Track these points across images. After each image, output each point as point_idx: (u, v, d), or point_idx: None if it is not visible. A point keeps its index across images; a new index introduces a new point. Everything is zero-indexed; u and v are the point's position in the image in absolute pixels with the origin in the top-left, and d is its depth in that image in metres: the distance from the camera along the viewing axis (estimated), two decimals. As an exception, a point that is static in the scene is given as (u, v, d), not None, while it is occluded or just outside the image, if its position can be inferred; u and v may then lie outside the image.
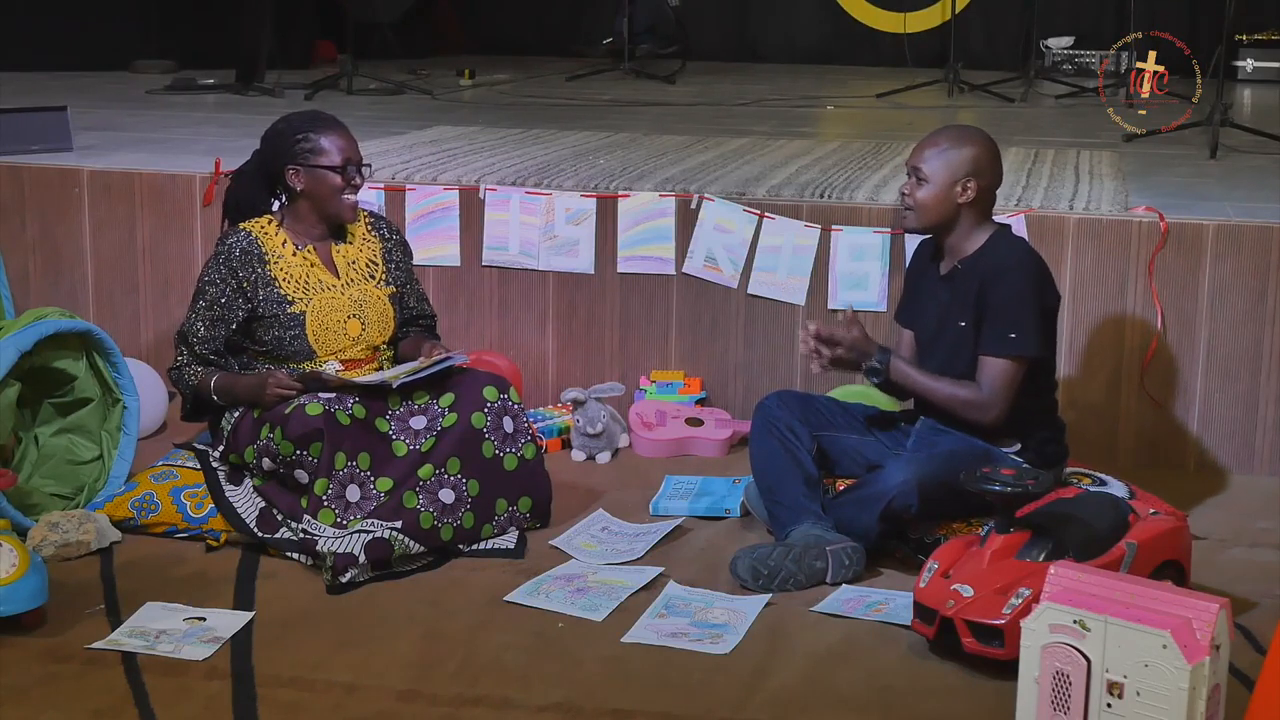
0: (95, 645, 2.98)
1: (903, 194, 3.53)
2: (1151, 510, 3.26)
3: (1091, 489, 3.47)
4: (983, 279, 3.44)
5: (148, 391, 4.11)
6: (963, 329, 3.47)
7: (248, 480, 3.57)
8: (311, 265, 3.70)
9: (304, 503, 3.42)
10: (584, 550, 3.55)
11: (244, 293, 3.63)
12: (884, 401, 3.98)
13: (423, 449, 3.50)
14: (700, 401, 4.45)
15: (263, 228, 3.71)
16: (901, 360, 3.51)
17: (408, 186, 4.66)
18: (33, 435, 3.80)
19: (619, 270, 4.52)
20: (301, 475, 3.44)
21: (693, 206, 4.47)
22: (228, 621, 3.10)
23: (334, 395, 3.51)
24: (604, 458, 4.24)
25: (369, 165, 3.79)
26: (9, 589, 3.00)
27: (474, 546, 3.53)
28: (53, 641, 3.01)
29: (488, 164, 4.95)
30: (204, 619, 3.11)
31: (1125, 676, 2.51)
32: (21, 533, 3.37)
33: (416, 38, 9.95)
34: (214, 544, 3.53)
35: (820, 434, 3.57)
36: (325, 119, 3.75)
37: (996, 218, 4.08)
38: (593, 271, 4.54)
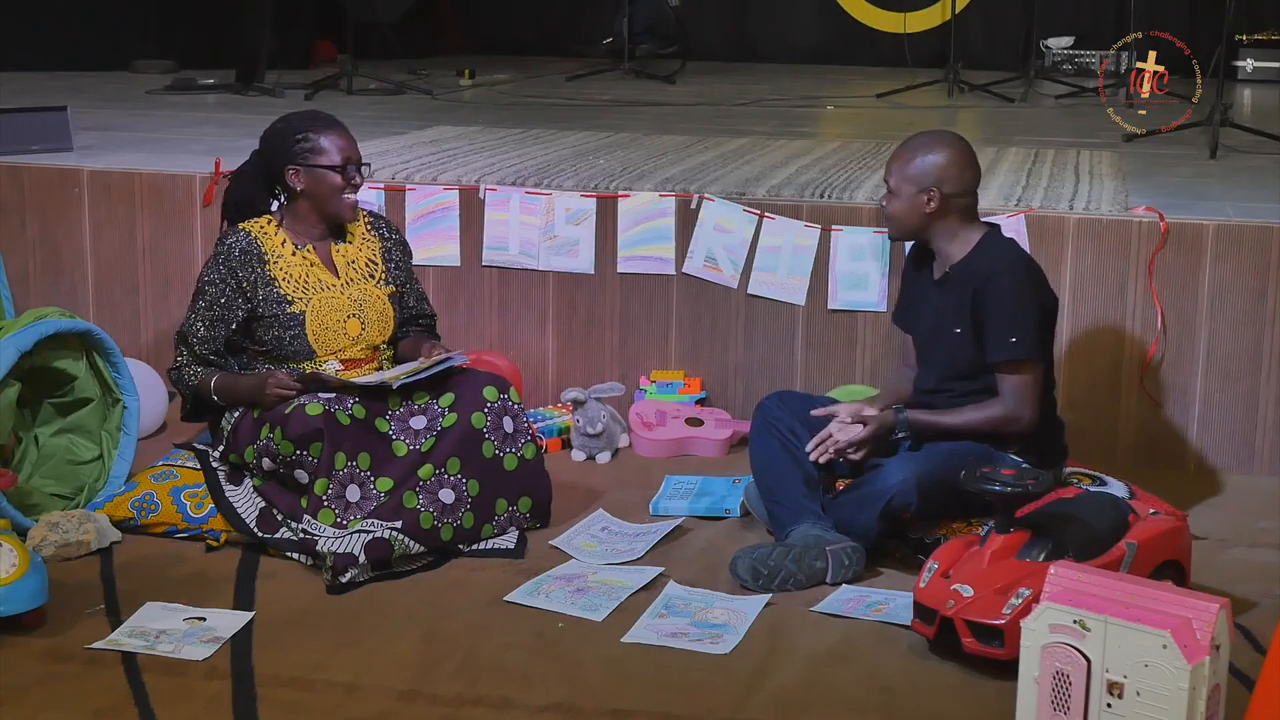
0: (95, 645, 2.98)
1: (881, 205, 3.56)
2: (1151, 510, 3.26)
3: (1091, 489, 3.47)
4: (976, 286, 3.44)
5: (148, 391, 4.10)
6: (959, 335, 3.47)
7: (248, 480, 3.57)
8: (311, 265, 3.70)
9: (304, 503, 3.42)
10: (584, 550, 3.54)
11: (243, 293, 3.63)
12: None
13: (423, 449, 3.50)
14: (700, 401, 4.45)
15: (262, 228, 3.71)
16: (917, 414, 3.49)
17: (408, 186, 4.66)
18: (33, 435, 3.79)
19: (619, 270, 4.52)
20: (301, 475, 3.44)
21: (693, 206, 4.47)
22: (228, 621, 3.10)
23: (334, 395, 3.51)
24: (604, 458, 4.24)
25: (369, 165, 3.79)
26: (9, 589, 3.00)
27: (474, 546, 3.53)
28: (53, 641, 3.01)
29: (488, 164, 4.95)
30: (204, 619, 3.11)
31: (1125, 676, 2.51)
32: (21, 533, 3.37)
33: (416, 38, 9.96)
34: (214, 544, 3.53)
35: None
36: (325, 119, 3.75)
37: (997, 218, 4.09)
38: (593, 271, 4.54)
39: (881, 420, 3.48)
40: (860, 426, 3.47)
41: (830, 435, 3.48)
